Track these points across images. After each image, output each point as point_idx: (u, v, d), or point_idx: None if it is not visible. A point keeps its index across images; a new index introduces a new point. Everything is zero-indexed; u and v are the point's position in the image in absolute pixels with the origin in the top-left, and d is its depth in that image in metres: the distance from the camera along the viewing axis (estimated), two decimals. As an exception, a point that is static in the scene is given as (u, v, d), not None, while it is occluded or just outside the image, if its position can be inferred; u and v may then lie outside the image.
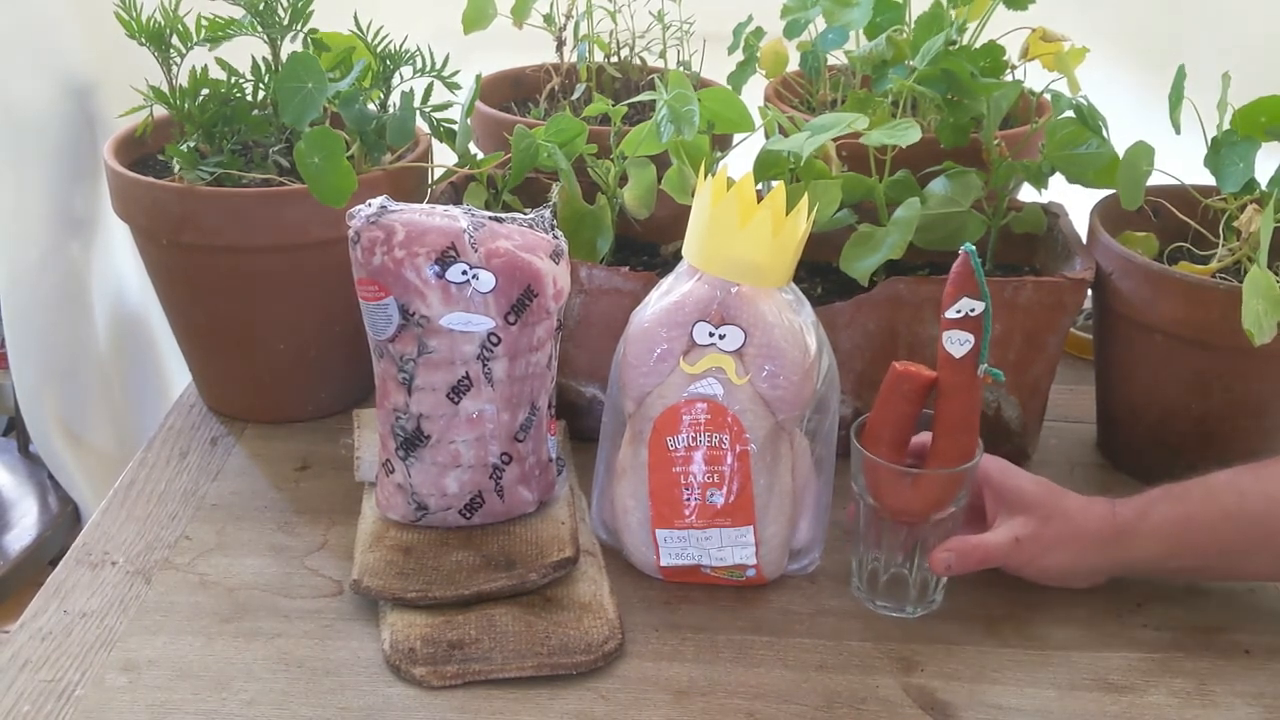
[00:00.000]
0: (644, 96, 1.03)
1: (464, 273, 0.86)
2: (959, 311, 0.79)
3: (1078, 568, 0.86)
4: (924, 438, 0.85)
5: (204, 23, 1.02)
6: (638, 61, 1.29)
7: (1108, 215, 1.03)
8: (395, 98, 1.06)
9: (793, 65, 1.23)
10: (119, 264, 1.47)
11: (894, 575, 0.86)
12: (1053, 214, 1.07)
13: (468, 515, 0.91)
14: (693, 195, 0.87)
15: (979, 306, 0.78)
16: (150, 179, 1.00)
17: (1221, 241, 0.98)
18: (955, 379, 0.81)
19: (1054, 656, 0.83)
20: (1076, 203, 1.08)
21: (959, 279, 0.78)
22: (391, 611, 0.84)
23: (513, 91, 1.31)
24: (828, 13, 1.08)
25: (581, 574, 0.88)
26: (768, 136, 1.03)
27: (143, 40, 1.02)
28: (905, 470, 0.83)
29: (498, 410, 0.89)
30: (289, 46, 1.05)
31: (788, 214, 0.84)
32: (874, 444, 0.83)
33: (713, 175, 0.85)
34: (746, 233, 0.82)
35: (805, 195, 0.86)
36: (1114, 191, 0.99)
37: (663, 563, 0.88)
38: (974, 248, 0.78)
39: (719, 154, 1.02)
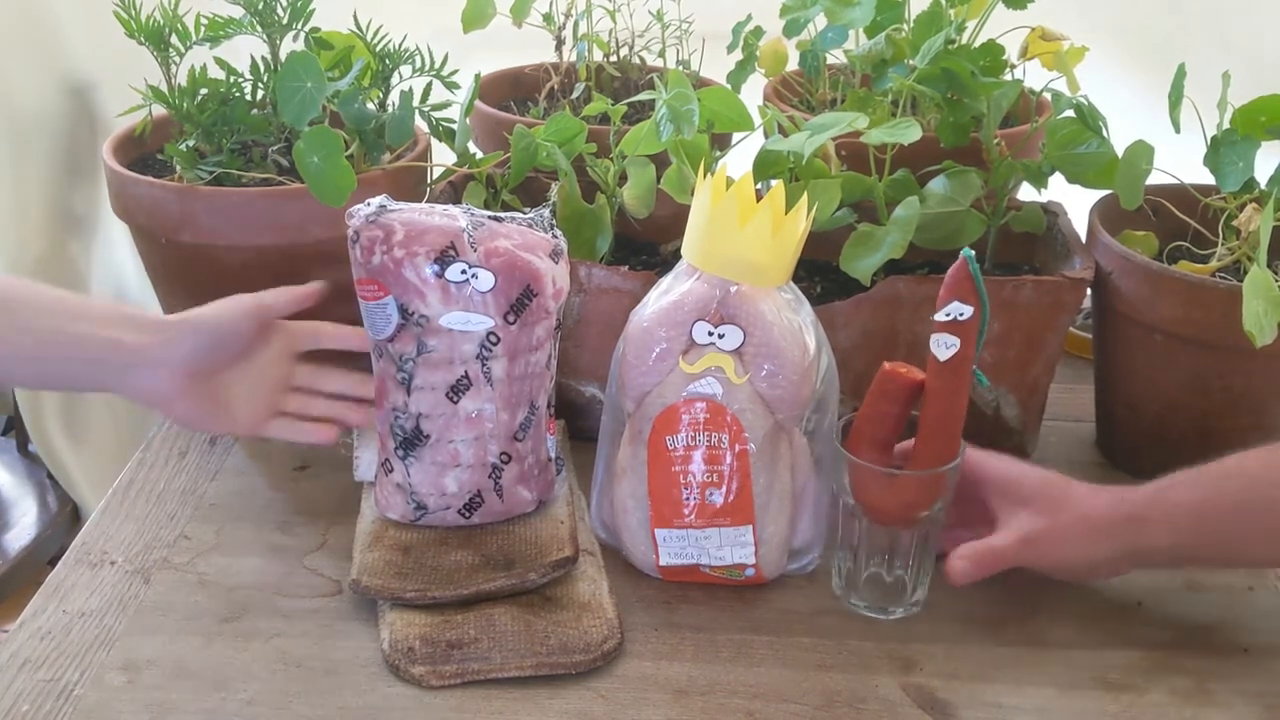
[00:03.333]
0: (643, 96, 1.03)
1: (463, 272, 0.86)
2: (948, 315, 0.78)
3: (1095, 557, 0.83)
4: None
5: (203, 22, 1.02)
6: (637, 61, 1.29)
7: (1107, 214, 1.03)
8: (394, 97, 1.06)
9: (792, 64, 1.23)
10: (119, 264, 1.47)
11: (871, 575, 0.86)
12: (1052, 213, 1.07)
13: (467, 515, 0.91)
14: (692, 194, 0.87)
15: (967, 311, 0.78)
16: (150, 179, 1.00)
17: (1221, 241, 0.98)
18: (938, 383, 0.80)
19: (1053, 655, 0.83)
20: (1076, 202, 1.08)
21: (953, 282, 0.78)
22: (390, 611, 0.84)
23: (512, 91, 1.31)
24: (829, 12, 1.08)
25: (581, 573, 0.88)
26: (767, 136, 1.03)
27: (142, 40, 1.02)
28: (878, 470, 0.82)
29: (497, 410, 0.89)
30: (289, 46, 1.05)
31: (787, 213, 0.84)
32: (857, 441, 0.83)
33: (712, 174, 0.85)
34: (746, 232, 0.82)
35: (804, 194, 0.86)
36: (1113, 191, 0.99)
37: (662, 562, 0.88)
38: (973, 253, 0.77)
39: (718, 153, 1.02)
